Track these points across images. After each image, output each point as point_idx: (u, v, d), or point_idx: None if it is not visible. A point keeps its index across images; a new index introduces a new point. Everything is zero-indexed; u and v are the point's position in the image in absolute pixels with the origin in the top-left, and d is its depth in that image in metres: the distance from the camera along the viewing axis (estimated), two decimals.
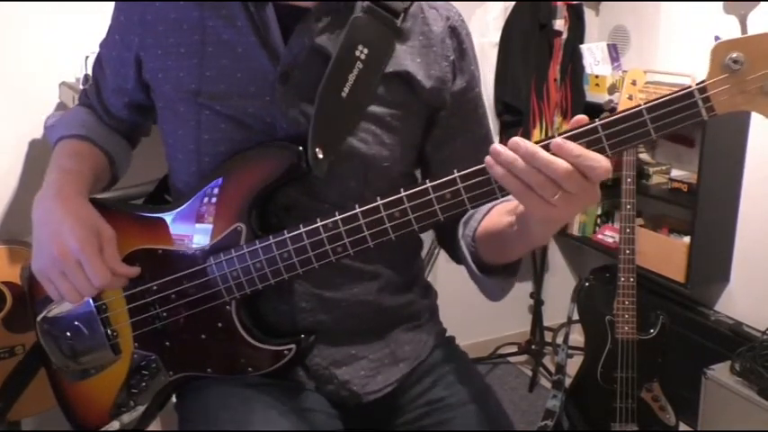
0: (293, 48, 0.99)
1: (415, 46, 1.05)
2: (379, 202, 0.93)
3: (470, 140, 1.12)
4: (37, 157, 2.07)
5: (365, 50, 1.00)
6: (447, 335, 1.24)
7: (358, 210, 0.94)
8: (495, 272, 1.04)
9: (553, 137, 0.83)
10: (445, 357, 1.17)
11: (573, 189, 0.81)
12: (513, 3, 2.61)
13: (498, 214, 1.00)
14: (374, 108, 1.03)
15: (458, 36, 1.08)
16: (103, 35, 1.15)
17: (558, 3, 2.61)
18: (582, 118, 0.84)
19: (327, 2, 1.01)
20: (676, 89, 0.81)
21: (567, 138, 0.83)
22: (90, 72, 1.24)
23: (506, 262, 1.03)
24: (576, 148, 0.81)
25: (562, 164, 0.80)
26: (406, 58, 1.04)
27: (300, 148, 0.98)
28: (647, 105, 0.81)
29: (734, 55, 0.79)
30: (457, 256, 1.11)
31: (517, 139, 0.83)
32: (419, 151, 1.12)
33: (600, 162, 0.81)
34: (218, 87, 1.01)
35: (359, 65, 0.99)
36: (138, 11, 1.06)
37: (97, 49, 1.18)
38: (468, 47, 1.10)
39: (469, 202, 0.89)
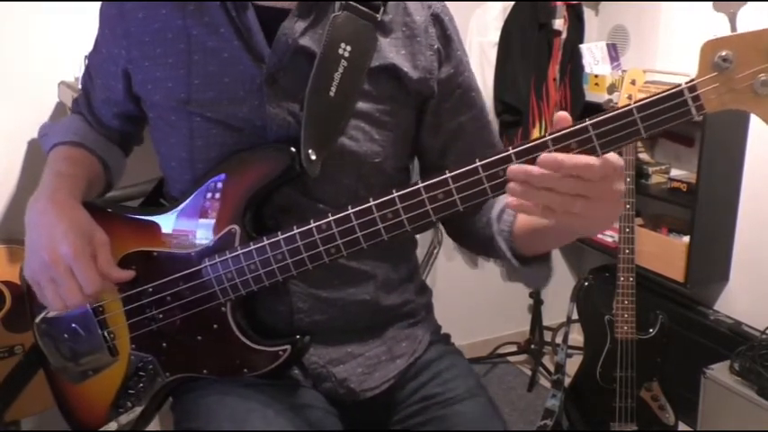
0: (277, 49, 1.00)
1: (399, 38, 1.05)
2: (372, 203, 0.93)
3: (463, 123, 1.11)
4: (36, 156, 2.07)
5: (348, 48, 1.00)
6: (443, 332, 1.24)
7: (351, 211, 0.94)
8: (531, 262, 1.04)
9: (545, 136, 0.83)
10: (441, 354, 1.18)
11: (572, 191, 0.81)
12: (513, 2, 2.61)
13: None
14: (362, 105, 1.03)
15: (441, 23, 1.07)
16: None
17: (558, 2, 2.60)
18: (563, 116, 0.84)
19: (307, 1, 1.01)
20: (667, 88, 0.81)
21: (559, 137, 0.83)
22: (85, 71, 1.24)
23: (543, 252, 1.04)
24: (563, 158, 0.81)
25: (551, 174, 0.81)
26: (390, 51, 1.04)
27: (293, 149, 0.98)
28: (638, 104, 0.81)
29: (723, 53, 0.79)
30: (472, 247, 1.12)
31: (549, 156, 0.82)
32: (415, 141, 1.12)
33: (588, 160, 0.80)
34: (207, 94, 1.02)
35: (343, 63, 0.99)
36: (122, 24, 1.06)
37: None
38: (452, 32, 1.08)
39: (461, 203, 0.89)
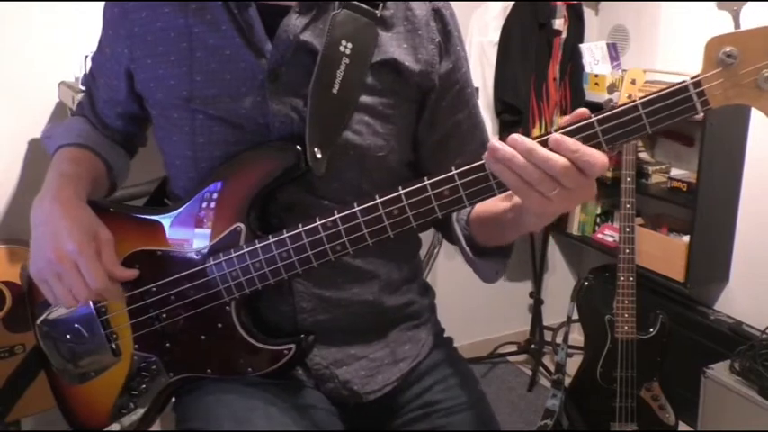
0: (279, 45, 1.00)
1: (401, 32, 1.05)
2: (378, 200, 0.92)
3: (459, 121, 1.12)
4: (36, 156, 2.07)
5: (349, 45, 1.00)
6: (445, 335, 1.24)
7: (357, 208, 0.94)
8: (488, 254, 1.06)
9: (551, 132, 0.84)
10: (443, 360, 1.18)
11: (571, 185, 0.82)
12: (513, 2, 2.62)
13: (494, 199, 1.01)
14: (365, 99, 1.03)
15: (442, 18, 1.08)
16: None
17: (558, 2, 2.61)
18: (583, 111, 0.84)
19: (308, 1, 1.01)
20: (671, 84, 0.82)
21: (564, 133, 0.83)
22: (88, 72, 1.24)
23: (499, 244, 1.05)
24: (573, 143, 0.82)
25: (560, 160, 0.81)
26: (392, 45, 1.04)
27: (299, 148, 0.98)
28: (643, 100, 0.81)
29: (727, 49, 0.80)
30: (451, 238, 1.13)
31: (515, 136, 0.83)
32: (413, 136, 1.12)
33: (597, 158, 0.81)
34: (209, 91, 1.02)
35: (345, 60, 0.99)
36: (125, 24, 1.06)
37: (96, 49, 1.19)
38: (452, 28, 1.09)
39: (467, 199, 0.89)
